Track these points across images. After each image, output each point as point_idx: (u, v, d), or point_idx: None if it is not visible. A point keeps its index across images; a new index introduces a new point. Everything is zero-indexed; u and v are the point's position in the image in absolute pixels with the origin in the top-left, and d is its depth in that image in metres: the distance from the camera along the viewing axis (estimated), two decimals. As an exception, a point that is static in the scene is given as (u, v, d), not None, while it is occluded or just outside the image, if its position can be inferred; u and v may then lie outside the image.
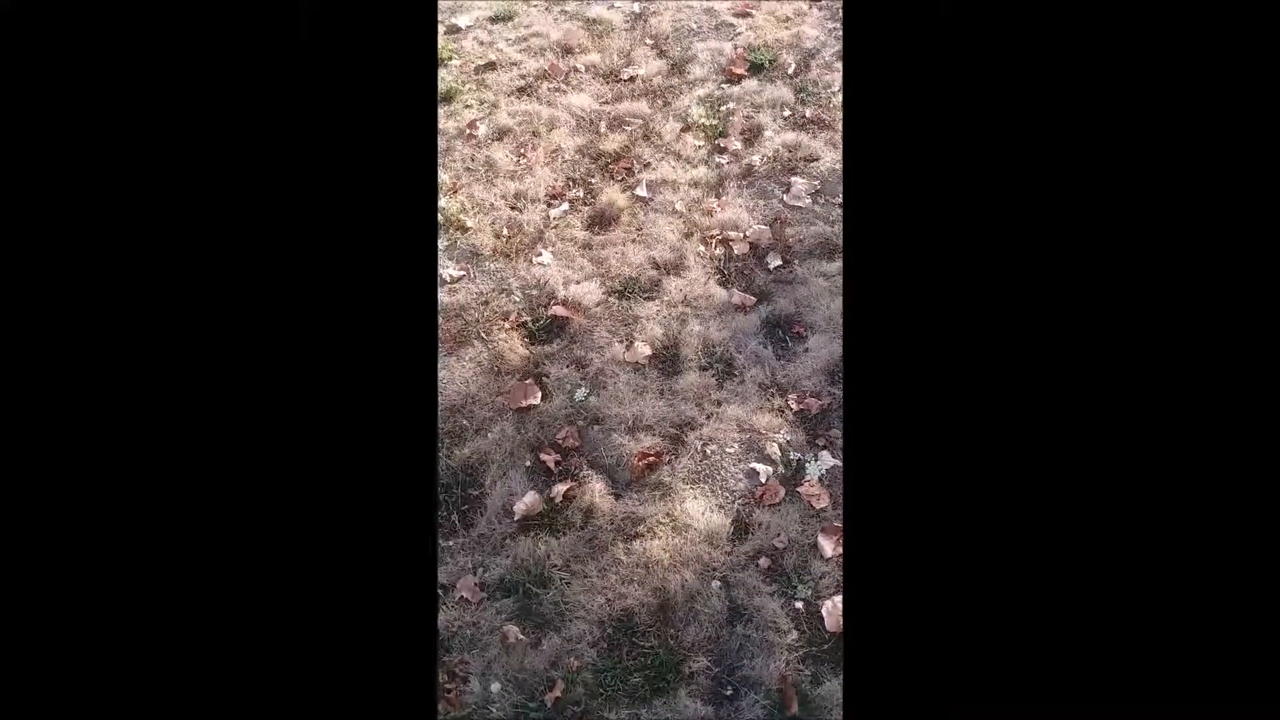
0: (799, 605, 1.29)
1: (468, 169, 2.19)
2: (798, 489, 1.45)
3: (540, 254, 2.00)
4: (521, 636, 1.27)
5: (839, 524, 1.39)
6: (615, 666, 1.22)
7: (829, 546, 1.36)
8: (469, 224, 2.04)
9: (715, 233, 2.02)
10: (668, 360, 1.72)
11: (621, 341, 1.76)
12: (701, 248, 1.99)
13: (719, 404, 1.61)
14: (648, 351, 1.73)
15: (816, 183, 2.13)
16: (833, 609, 1.27)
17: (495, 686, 1.22)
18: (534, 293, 1.88)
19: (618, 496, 1.46)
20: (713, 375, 1.67)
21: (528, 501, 1.45)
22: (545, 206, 2.12)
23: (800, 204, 2.08)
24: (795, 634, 1.25)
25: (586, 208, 2.14)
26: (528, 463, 1.53)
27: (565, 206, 2.15)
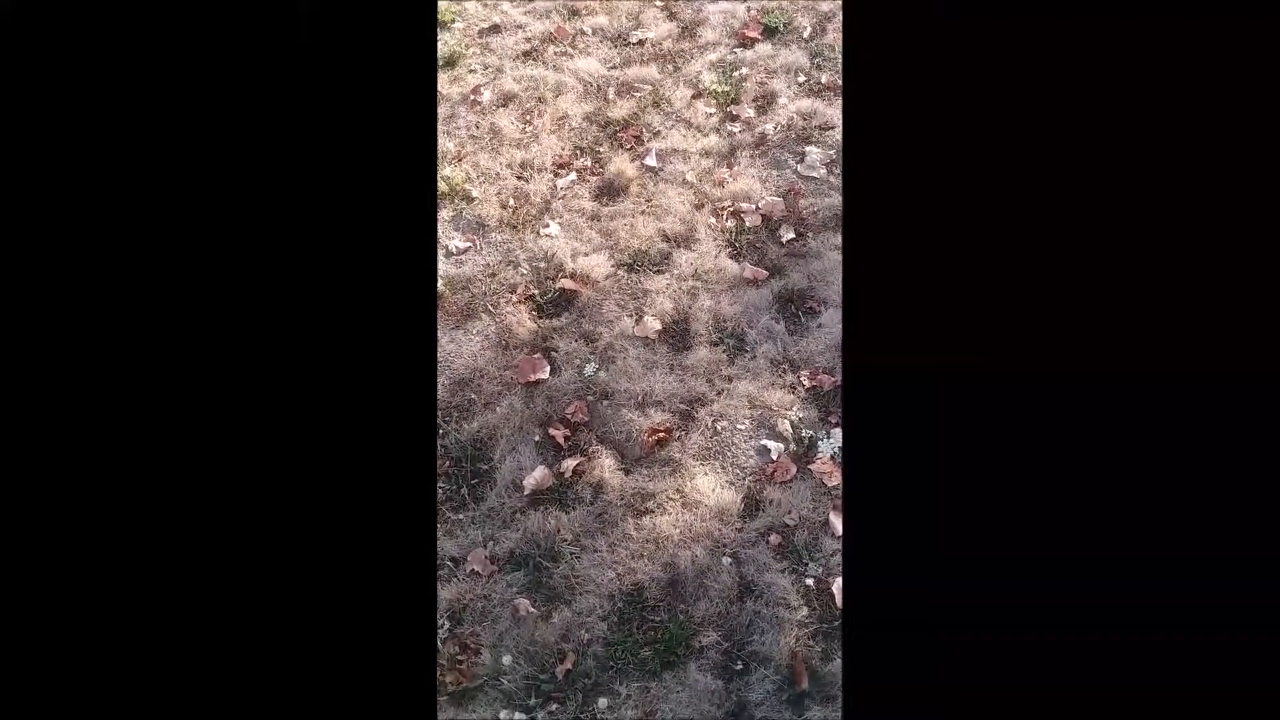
0: (809, 582, 1.30)
1: (472, 136, 2.16)
2: (809, 466, 1.45)
3: (548, 225, 1.98)
4: (532, 609, 1.28)
5: (850, 501, 1.40)
6: (625, 640, 1.24)
7: (840, 524, 1.37)
8: (474, 194, 2.02)
9: (727, 204, 1.99)
10: (678, 335, 1.71)
11: (631, 315, 1.74)
12: (712, 220, 1.96)
13: (730, 380, 1.60)
14: (658, 326, 1.72)
15: (832, 152, 2.09)
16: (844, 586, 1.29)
17: (506, 659, 1.24)
18: (541, 265, 1.86)
19: (627, 472, 1.47)
20: (724, 350, 1.66)
21: (537, 476, 1.46)
22: (552, 176, 2.08)
23: (815, 174, 2.05)
24: (805, 610, 1.27)
25: (594, 177, 2.11)
26: (536, 437, 1.53)
27: (573, 176, 2.12)
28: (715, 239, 1.91)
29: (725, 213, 1.97)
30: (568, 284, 1.82)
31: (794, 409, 1.54)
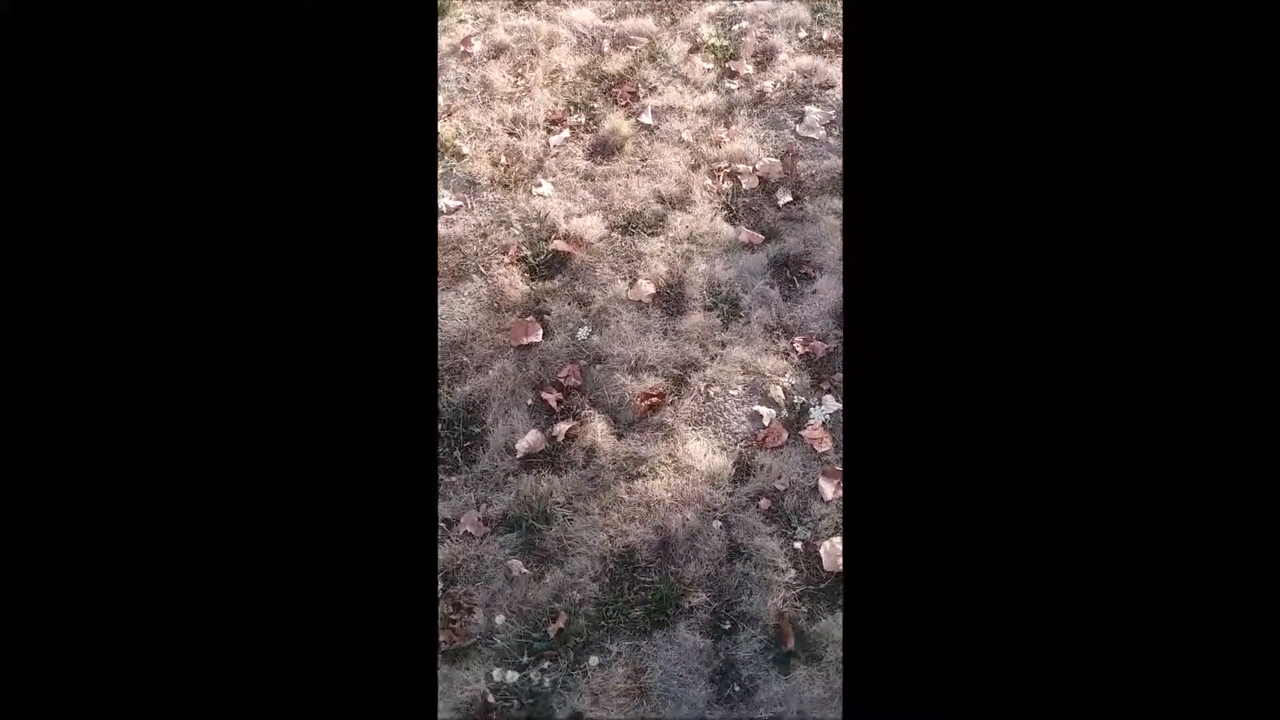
0: (798, 545, 1.33)
1: (462, 90, 2.09)
2: (800, 432, 1.46)
3: (540, 184, 1.94)
4: (525, 570, 1.31)
5: (840, 467, 1.41)
6: (617, 600, 1.27)
7: (829, 489, 1.39)
8: (465, 150, 1.97)
9: (723, 165, 1.96)
10: (672, 299, 1.70)
11: (625, 279, 1.73)
12: (709, 181, 1.93)
13: (723, 345, 1.60)
14: (651, 290, 1.70)
15: (831, 112, 2.04)
16: (831, 549, 1.31)
17: (499, 618, 1.26)
18: (534, 225, 1.83)
19: (620, 436, 1.48)
20: (718, 315, 1.65)
21: (530, 439, 1.46)
22: (545, 133, 2.03)
23: (813, 135, 2.01)
24: (793, 573, 1.30)
25: (588, 135, 2.06)
26: (529, 401, 1.53)
27: (566, 134, 2.06)
28: (711, 201, 1.89)
29: (722, 174, 1.94)
30: (561, 245, 1.79)
31: (787, 375, 1.55)
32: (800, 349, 1.59)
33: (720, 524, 1.35)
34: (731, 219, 1.84)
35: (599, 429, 1.47)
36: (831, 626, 1.23)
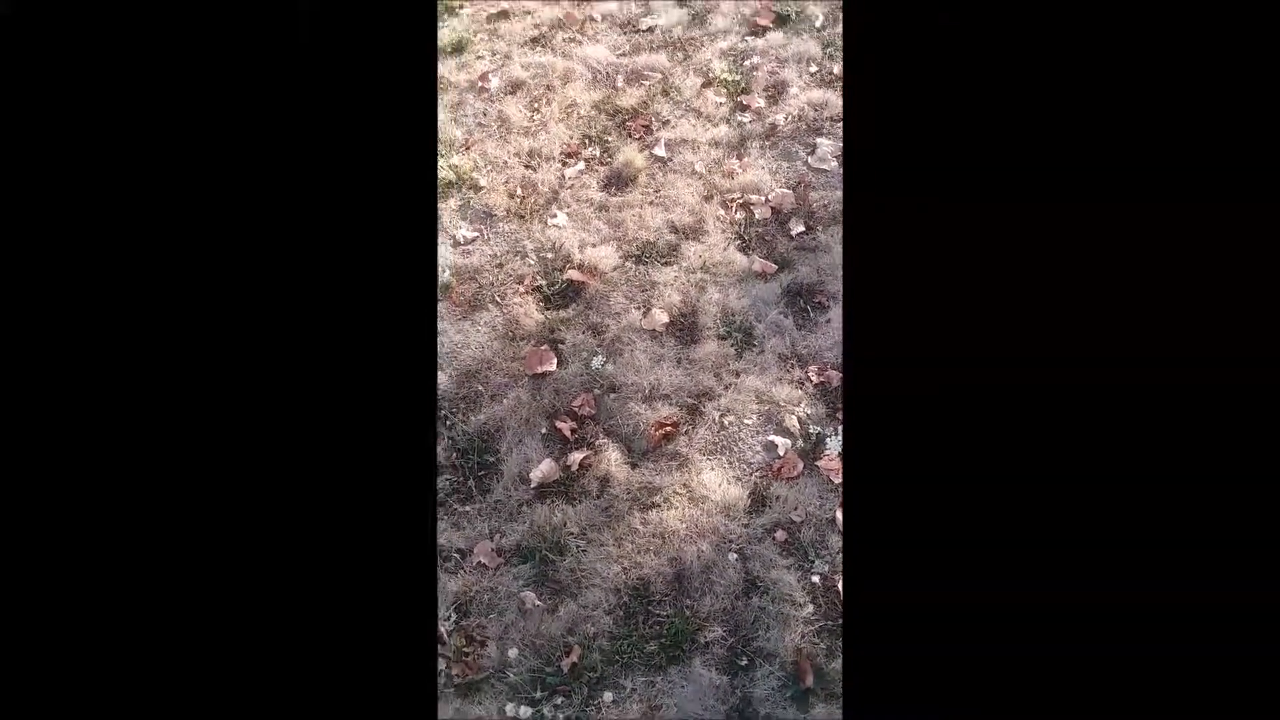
0: (815, 579, 1.31)
1: (480, 124, 2.15)
2: (816, 463, 1.45)
3: (555, 215, 1.97)
4: (538, 602, 1.29)
5: (857, 499, 1.40)
6: (631, 634, 1.25)
7: (847, 521, 1.37)
8: (482, 182, 2.01)
9: (736, 196, 1.98)
10: (686, 328, 1.71)
11: (639, 308, 1.74)
12: (721, 211, 1.95)
13: (737, 374, 1.60)
14: (665, 319, 1.72)
15: (842, 144, 2.07)
16: (849, 583, 1.29)
17: (512, 651, 1.25)
18: (549, 255, 1.86)
19: (634, 466, 1.47)
20: (731, 345, 1.66)
21: (544, 469, 1.46)
22: (560, 165, 2.07)
23: (825, 167, 2.03)
24: (811, 607, 1.27)
25: (603, 167, 2.10)
26: (543, 430, 1.53)
27: (581, 165, 2.11)
28: (724, 231, 1.91)
29: (734, 204, 1.96)
30: (575, 275, 1.82)
31: (801, 405, 1.54)
32: (815, 378, 1.59)
33: (736, 556, 1.33)
34: (744, 249, 1.86)
35: (613, 458, 1.47)
36: (851, 663, 1.21)
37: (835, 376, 1.58)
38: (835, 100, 2.17)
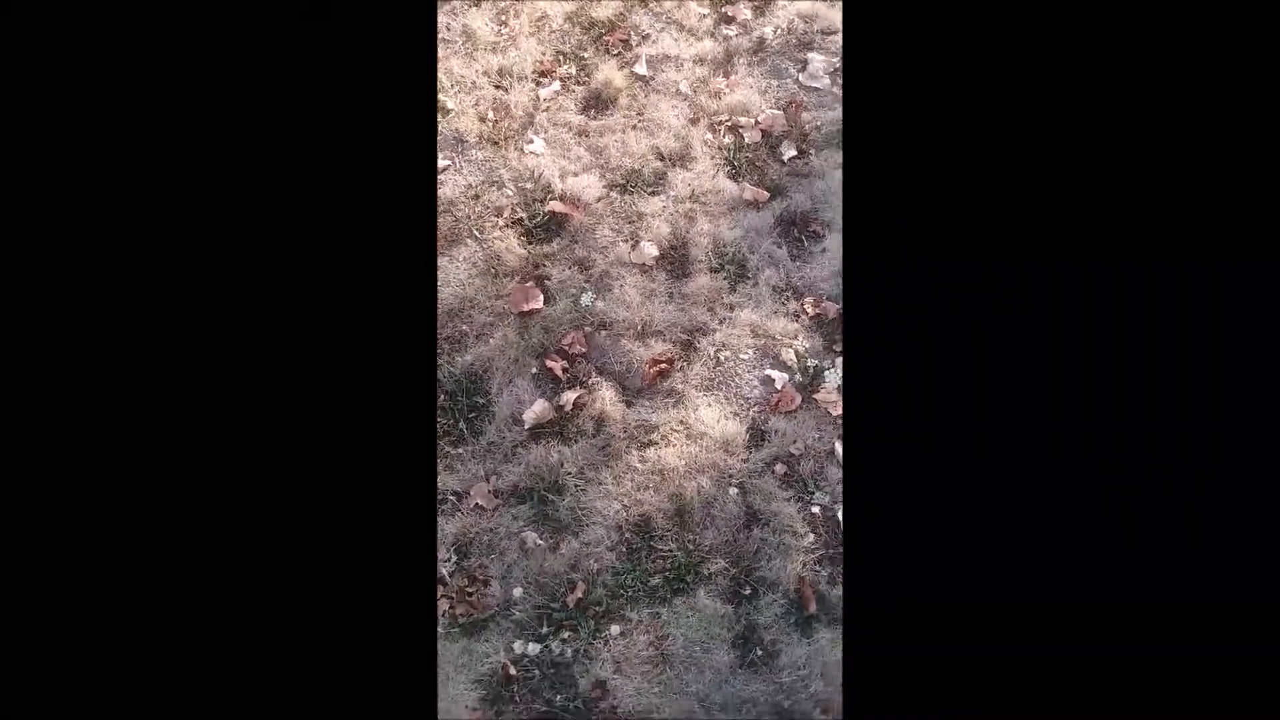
0: (815, 510, 1.38)
1: (443, 39, 2.05)
2: (814, 396, 1.51)
3: (531, 140, 1.92)
4: (539, 542, 1.34)
5: (855, 430, 1.46)
6: (635, 569, 1.31)
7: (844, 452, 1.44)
8: (449, 105, 1.94)
9: (724, 118, 1.96)
10: (676, 261, 1.71)
11: (626, 241, 1.74)
12: (709, 135, 1.93)
13: (731, 308, 1.63)
14: (655, 252, 1.72)
15: (835, 60, 2.04)
16: (848, 512, 1.37)
17: (517, 590, 1.30)
18: (528, 185, 1.83)
19: (629, 404, 1.51)
20: (724, 278, 1.67)
21: (537, 410, 1.48)
22: (534, 85, 2.01)
23: (817, 85, 2.01)
24: (811, 537, 1.35)
25: (580, 87, 2.04)
26: (534, 369, 1.55)
27: (556, 86, 2.04)
28: (713, 157, 1.89)
29: (722, 127, 1.94)
30: (557, 206, 1.79)
31: (798, 338, 1.58)
32: (811, 310, 1.62)
33: (736, 490, 1.40)
34: (735, 175, 1.85)
35: (607, 397, 1.50)
36: (851, 588, 1.29)
37: (831, 308, 1.62)
38: (827, 12, 2.12)
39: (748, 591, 1.30)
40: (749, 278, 1.67)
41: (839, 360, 1.55)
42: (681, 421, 1.48)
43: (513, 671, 1.23)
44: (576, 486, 1.40)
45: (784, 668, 1.23)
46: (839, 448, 1.44)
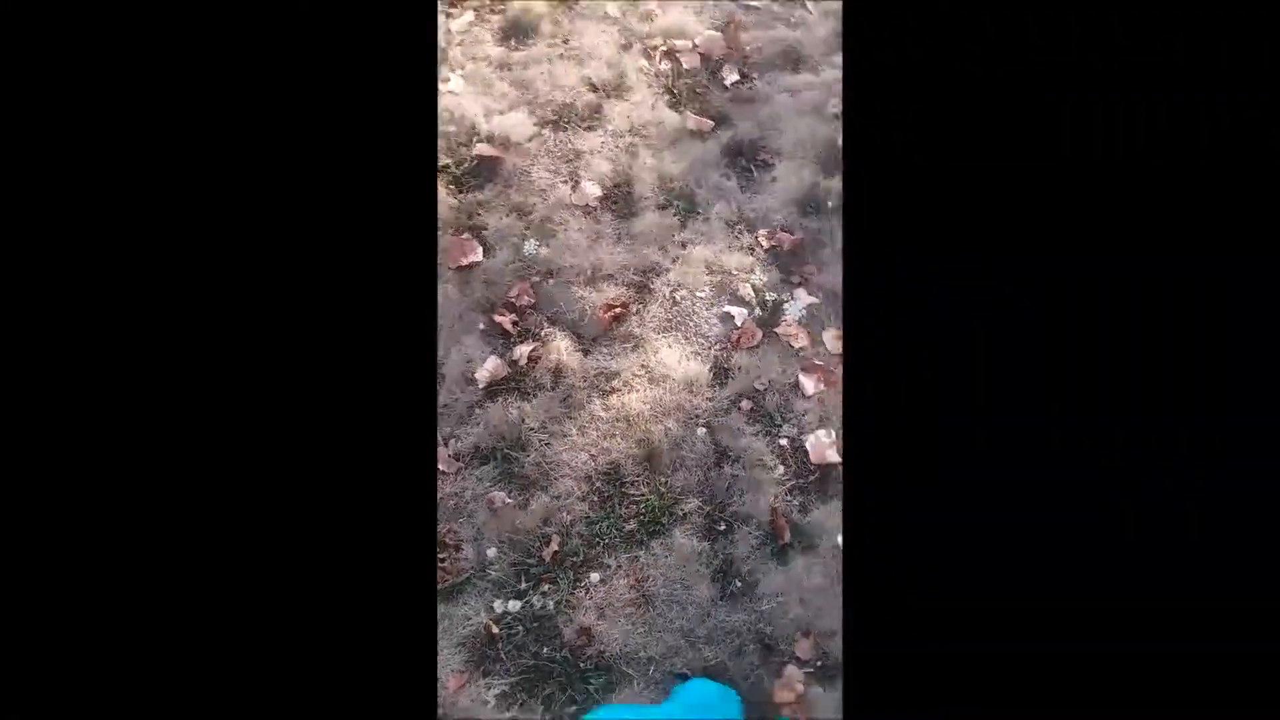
0: (783, 442, 1.54)
1: (339, -34, 2.04)
2: (775, 330, 1.65)
3: (448, 79, 1.96)
4: (508, 500, 1.45)
5: (819, 361, 1.62)
6: (609, 516, 1.45)
7: (810, 384, 1.59)
8: (355, 42, 1.95)
9: (658, 43, 2.04)
10: (621, 200, 1.81)
11: (565, 182, 1.82)
12: (644, 62, 2.01)
13: (684, 245, 1.75)
14: (597, 192, 1.81)
15: (772, -24, 2.14)
16: (816, 442, 1.53)
17: (491, 551, 1.42)
18: (450, 129, 1.87)
19: (586, 353, 1.62)
20: (674, 214, 1.79)
21: (490, 367, 1.58)
22: (444, 16, 2.03)
23: (756, 3, 2.11)
24: (782, 469, 1.51)
25: (496, 16, 2.08)
26: (481, 325, 1.64)
27: (469, 15, 2.07)
28: (650, 85, 1.98)
29: (658, 53, 2.02)
30: (485, 149, 1.85)
31: (754, 272, 1.72)
32: (765, 243, 1.76)
33: (704, 430, 1.54)
34: (675, 105, 1.95)
35: (562, 348, 1.61)
36: (824, 516, 1.46)
37: (786, 239, 1.76)
38: (759, -79, 2.21)
39: (722, 527, 1.45)
40: (699, 212, 1.79)
41: (798, 292, 1.70)
42: (642, 365, 1.60)
43: (495, 630, 1.35)
44: (541, 441, 1.51)
45: (763, 596, 1.39)
46: (803, 380, 1.59)
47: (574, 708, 1.29)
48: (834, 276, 1.72)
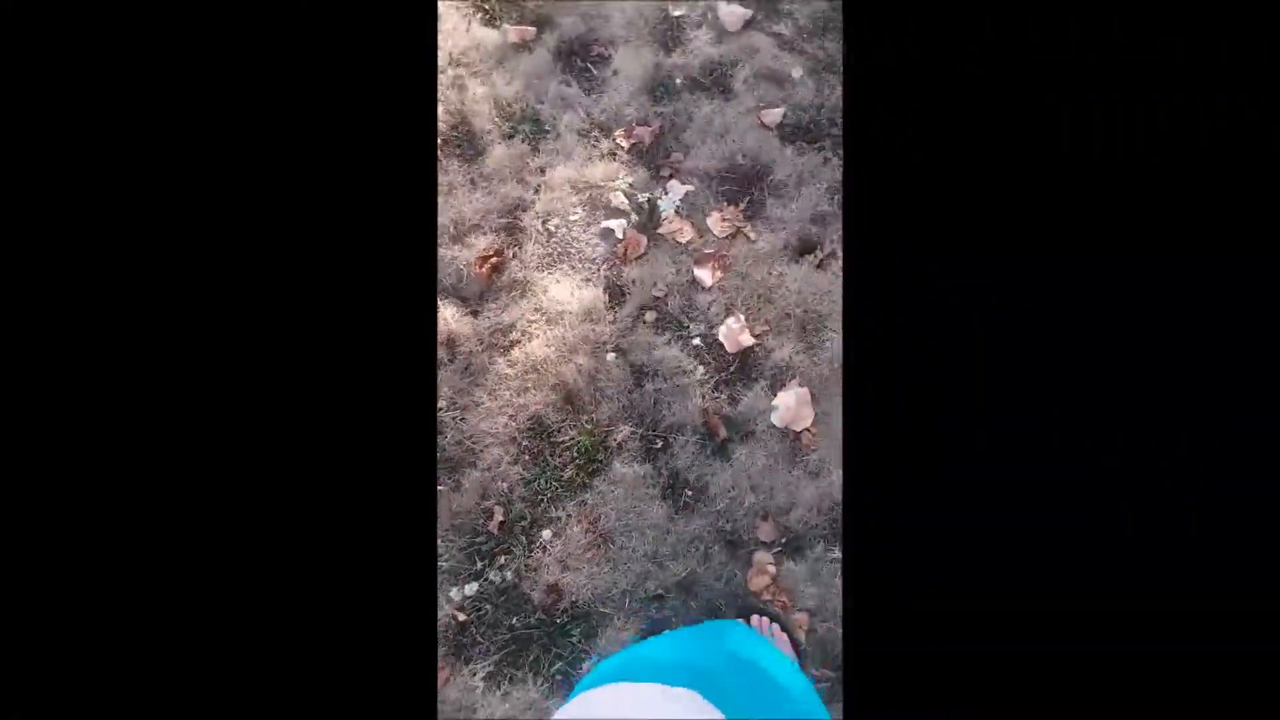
0: (696, 342, 1.60)
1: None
2: (658, 231, 1.69)
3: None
4: (440, 487, 1.51)
5: (709, 250, 1.67)
6: (544, 471, 1.51)
7: (706, 276, 1.65)
8: None
9: (453, -45, 1.97)
10: (462, 140, 1.79)
11: (399, 139, 1.79)
12: (444, -18, 1.95)
13: (542, 171, 1.75)
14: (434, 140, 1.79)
15: None
16: (728, 332, 1.60)
17: (436, 543, 1.48)
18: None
19: (475, 314, 1.64)
20: (522, 141, 1.78)
21: (378, 359, 1.60)
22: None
23: (542, -119, 2.04)
24: (702, 369, 1.58)
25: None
26: (357, 319, 1.64)
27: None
28: (458, 8, 1.92)
29: (455, -32, 1.96)
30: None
31: (621, 177, 1.74)
32: (625, 142, 1.77)
33: (615, 355, 1.59)
34: (490, 20, 1.91)
35: (448, 315, 1.63)
36: (754, 399, 1.55)
37: (644, 132, 1.77)
38: None
39: (659, 444, 1.53)
40: (548, 131, 1.79)
41: (670, 184, 1.73)
42: (535, 309, 1.63)
43: (462, 617, 1.43)
44: (455, 419, 1.56)
45: (716, 496, 1.49)
46: (699, 273, 1.65)
47: (561, 663, 1.39)
48: (703, 158, 1.75)
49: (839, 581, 1.45)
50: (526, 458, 1.53)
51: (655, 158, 1.77)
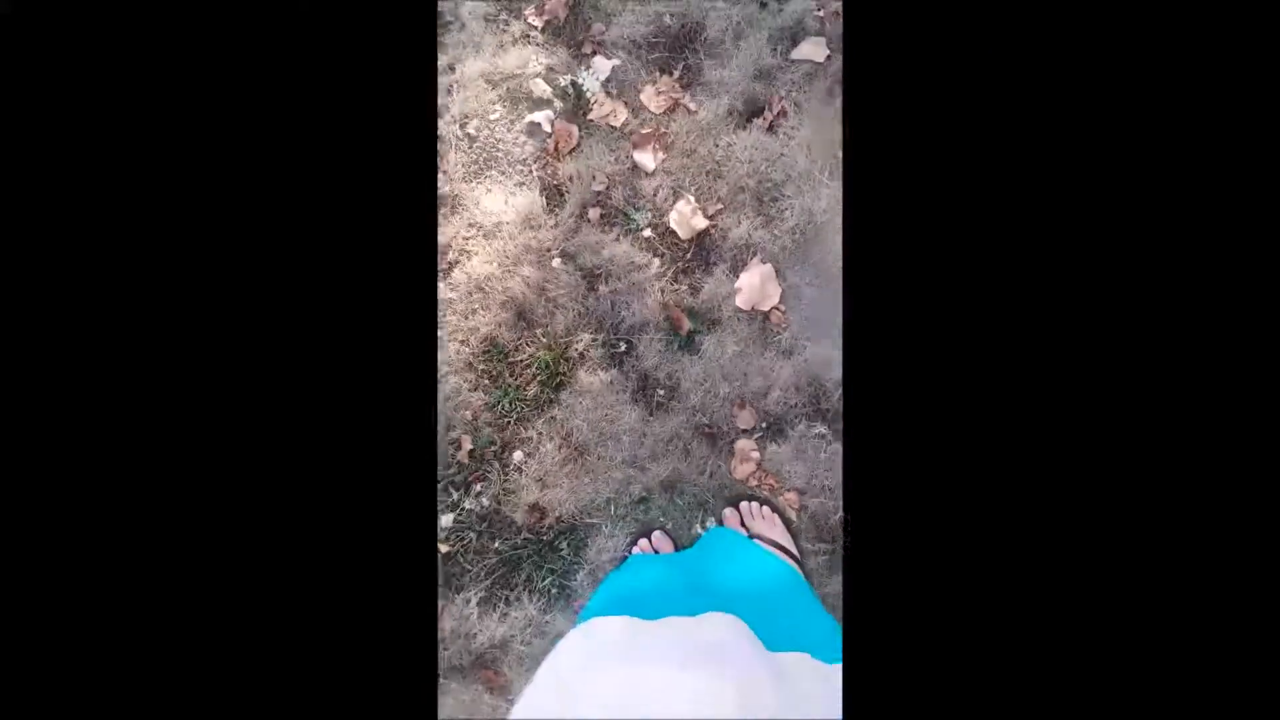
0: (647, 234, 1.61)
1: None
2: (588, 117, 1.67)
3: None
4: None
5: (647, 130, 1.65)
6: (507, 393, 1.56)
7: (648, 159, 1.64)
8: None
9: None
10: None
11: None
12: None
13: (451, 68, 1.72)
14: (331, 51, 1.74)
15: None
16: (678, 218, 1.61)
17: (408, 481, 1.55)
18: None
19: (407, 239, 1.65)
20: (425, 37, 1.73)
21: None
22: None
23: None
24: (657, 261, 1.60)
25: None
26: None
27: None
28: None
29: None
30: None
31: (534, 61, 1.70)
32: (537, 21, 1.72)
33: (561, 261, 1.61)
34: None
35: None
36: (717, 285, 1.57)
37: (557, 6, 1.72)
38: None
39: (622, 348, 1.57)
40: (450, 21, 1.73)
41: (594, 61, 1.69)
42: (469, 225, 1.64)
43: (445, 548, 1.51)
44: (404, 353, 1.59)
45: (688, 391, 1.54)
46: (639, 158, 1.64)
47: (553, 577, 1.48)
48: (626, 25, 1.70)
49: (824, 457, 1.52)
50: (486, 381, 1.58)
51: (573, 34, 1.72)
